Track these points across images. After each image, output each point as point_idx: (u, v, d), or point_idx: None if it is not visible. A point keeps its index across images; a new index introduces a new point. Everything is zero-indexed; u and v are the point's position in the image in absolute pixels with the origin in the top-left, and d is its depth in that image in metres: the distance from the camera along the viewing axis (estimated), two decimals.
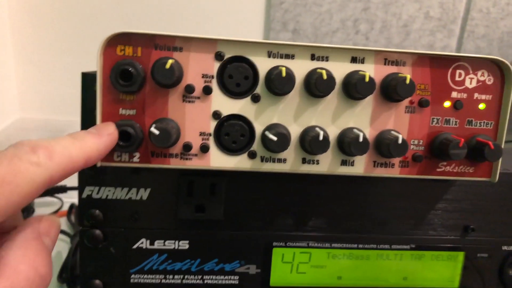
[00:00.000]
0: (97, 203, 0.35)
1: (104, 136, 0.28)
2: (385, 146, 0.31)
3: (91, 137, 0.27)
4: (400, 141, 0.30)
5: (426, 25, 0.92)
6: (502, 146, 0.33)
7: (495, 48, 0.93)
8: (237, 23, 0.91)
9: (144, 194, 0.36)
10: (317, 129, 0.31)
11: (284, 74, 0.29)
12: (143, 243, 0.36)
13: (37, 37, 0.91)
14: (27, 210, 0.64)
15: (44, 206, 0.68)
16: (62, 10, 0.89)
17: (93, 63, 0.30)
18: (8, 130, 0.89)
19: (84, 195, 0.35)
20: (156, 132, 0.29)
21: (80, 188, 0.35)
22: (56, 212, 0.68)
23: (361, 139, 0.30)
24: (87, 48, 0.89)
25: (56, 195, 0.69)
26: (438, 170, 0.34)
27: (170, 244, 0.37)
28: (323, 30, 0.91)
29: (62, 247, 0.63)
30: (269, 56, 0.31)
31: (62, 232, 0.63)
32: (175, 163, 0.32)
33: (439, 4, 0.90)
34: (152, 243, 0.36)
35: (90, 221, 0.35)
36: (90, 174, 0.34)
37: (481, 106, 0.33)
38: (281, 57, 0.31)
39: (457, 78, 0.33)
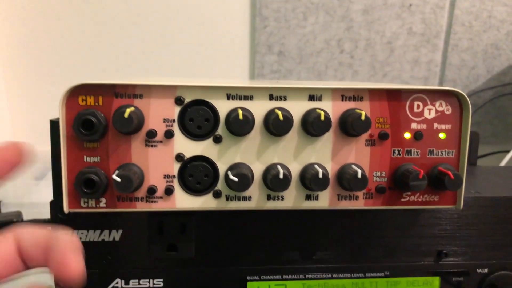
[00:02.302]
0: None
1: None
2: (345, 180, 0.32)
3: None
4: (359, 175, 0.31)
5: (409, 40, 0.92)
6: (464, 175, 0.34)
7: (480, 60, 0.94)
8: (222, 48, 0.92)
9: (116, 235, 0.36)
10: (278, 167, 0.31)
11: (241, 117, 0.30)
12: (118, 283, 0.37)
13: (26, 69, 0.93)
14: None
15: None
16: (49, 43, 0.91)
17: None
18: None
19: None
20: (118, 179, 0.29)
21: None
22: None
23: (320, 176, 0.31)
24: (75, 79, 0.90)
25: None
26: (403, 200, 0.34)
27: (145, 283, 0.37)
28: (308, 51, 0.92)
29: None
30: (228, 98, 0.32)
31: None
32: (141, 207, 0.32)
33: (421, 20, 0.91)
34: (127, 283, 0.37)
35: None
36: (62, 219, 0.35)
37: (442, 135, 0.34)
38: (240, 99, 0.32)
39: (415, 110, 0.33)
